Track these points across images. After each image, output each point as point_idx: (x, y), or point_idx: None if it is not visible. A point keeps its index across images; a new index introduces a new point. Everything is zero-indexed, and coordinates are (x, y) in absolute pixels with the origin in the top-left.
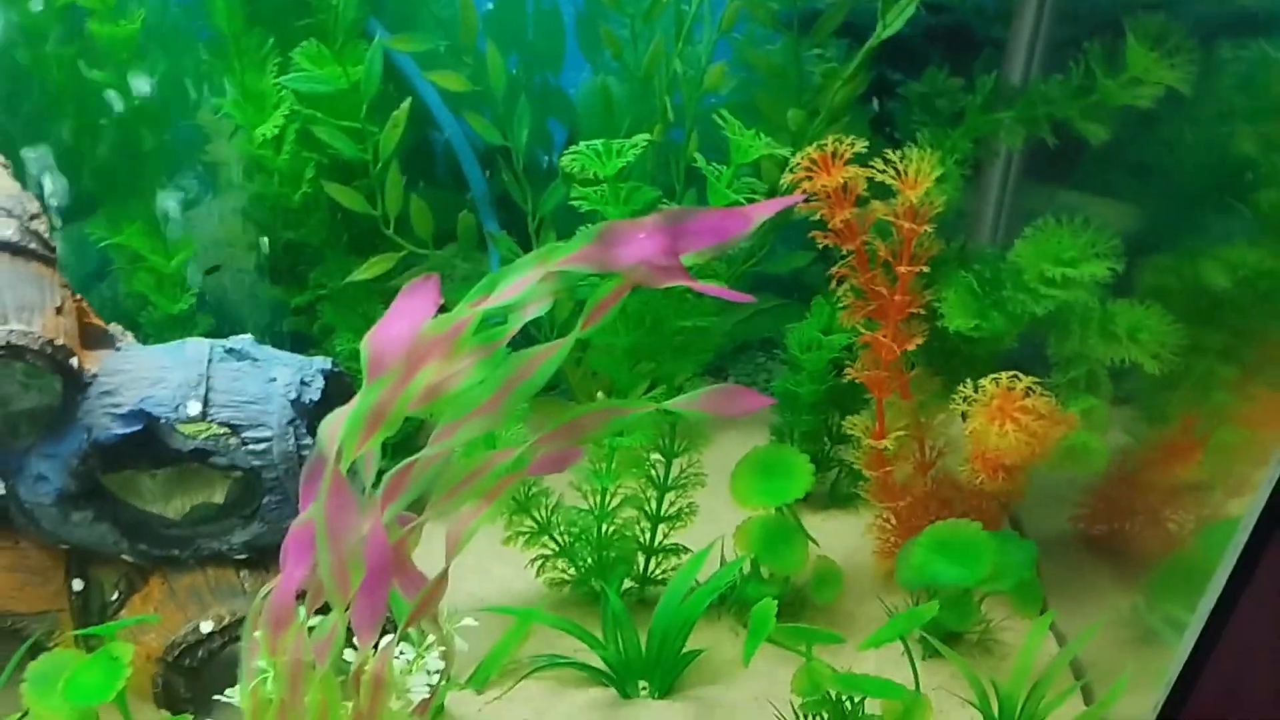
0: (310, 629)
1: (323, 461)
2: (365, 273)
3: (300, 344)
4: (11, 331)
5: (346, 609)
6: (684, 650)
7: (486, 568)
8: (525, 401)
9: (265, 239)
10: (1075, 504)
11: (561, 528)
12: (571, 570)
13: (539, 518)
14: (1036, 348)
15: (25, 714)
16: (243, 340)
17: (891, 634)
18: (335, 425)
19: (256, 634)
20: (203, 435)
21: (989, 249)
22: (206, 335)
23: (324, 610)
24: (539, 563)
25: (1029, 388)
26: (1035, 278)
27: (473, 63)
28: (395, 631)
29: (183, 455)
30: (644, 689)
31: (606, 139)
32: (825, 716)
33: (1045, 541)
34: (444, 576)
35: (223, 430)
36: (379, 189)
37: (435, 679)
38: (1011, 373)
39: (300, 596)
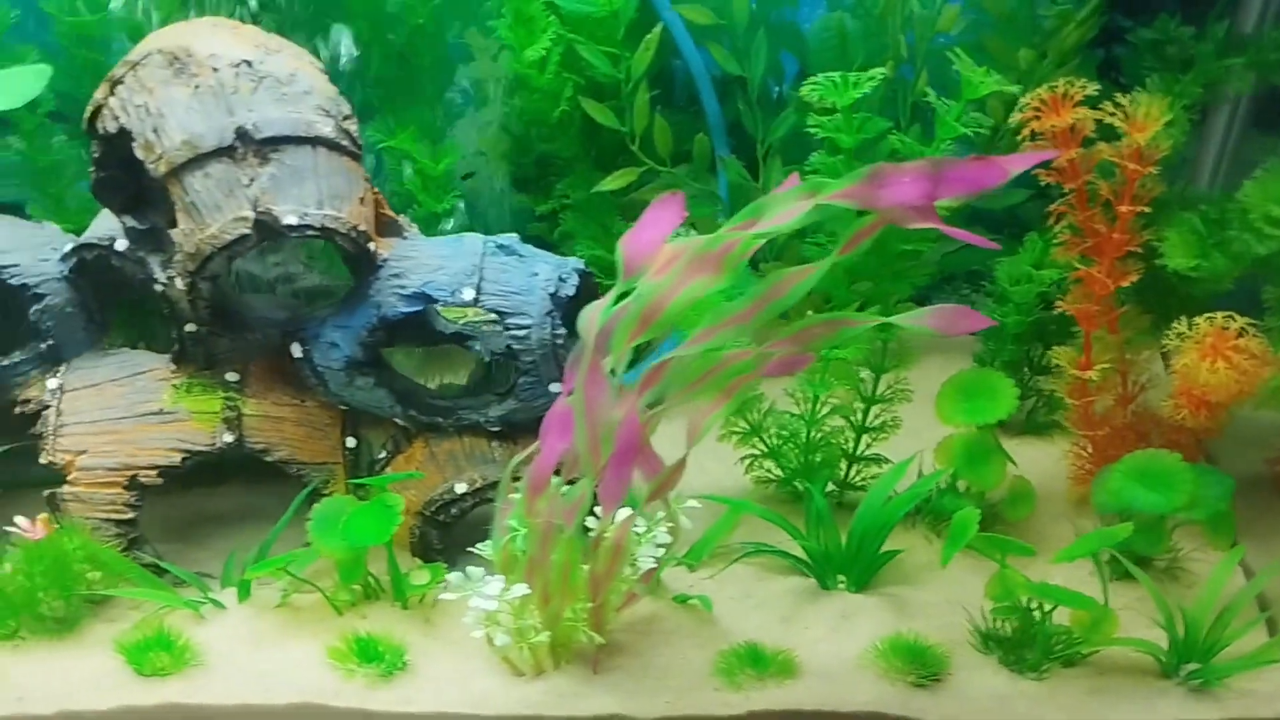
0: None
1: (583, 349)
2: (610, 184)
3: (540, 248)
4: (325, 215)
5: (594, 482)
6: (881, 550)
7: (700, 462)
8: (776, 316)
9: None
10: (1272, 447)
11: (772, 431)
12: (777, 470)
13: (752, 420)
14: (1250, 293)
15: (307, 546)
16: (510, 238)
17: (1084, 549)
18: (593, 317)
19: (512, 497)
20: (462, 321)
21: (1210, 193)
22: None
23: (573, 483)
24: (748, 461)
25: (1243, 328)
26: (1261, 218)
27: None
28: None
29: (444, 337)
30: (841, 582)
31: (841, 72)
32: (1015, 622)
33: (1239, 481)
34: (682, 463)
35: (480, 318)
36: (628, 108)
37: (659, 552)
38: (1226, 313)
39: (555, 469)
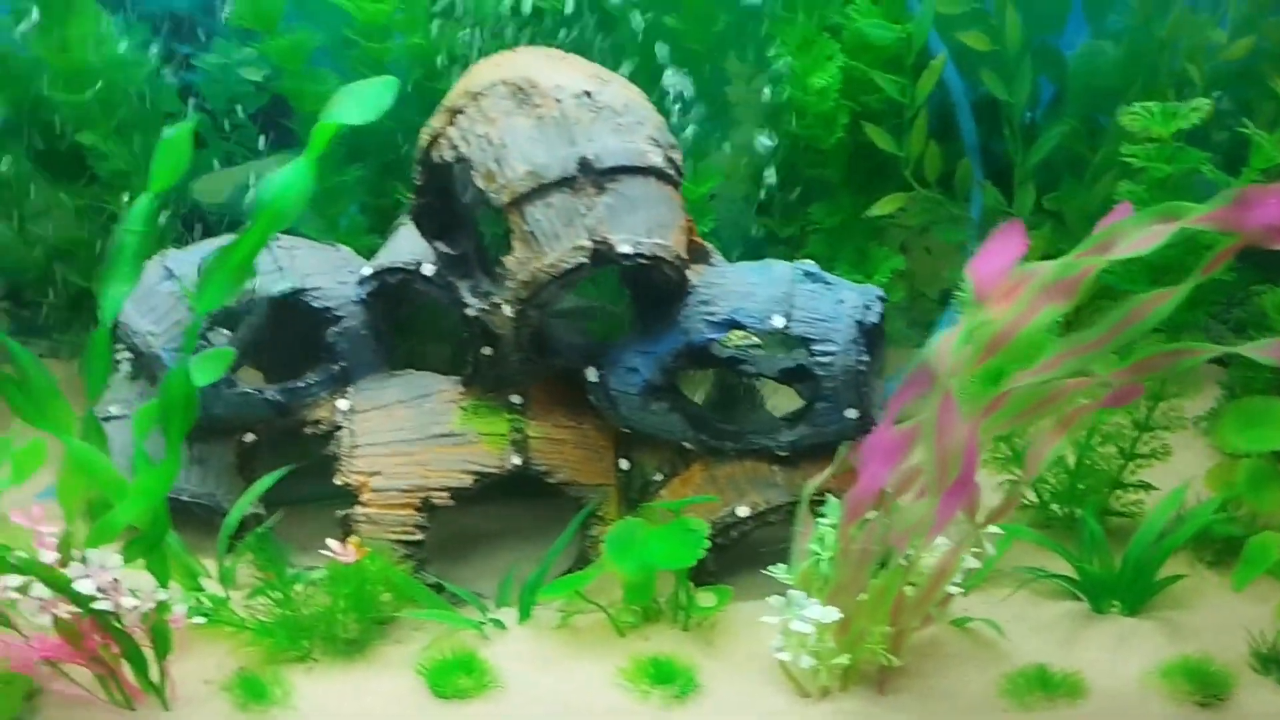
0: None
1: (930, 374)
2: (881, 209)
3: None
4: (655, 244)
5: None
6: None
7: None
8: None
9: (771, 172)
10: None
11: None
12: (1034, 496)
13: (1015, 446)
14: None
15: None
16: (812, 264)
17: None
18: (945, 345)
19: (825, 521)
20: (735, 345)
21: None
22: None
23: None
24: (1007, 485)
25: None
26: None
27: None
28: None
29: (718, 361)
30: (1115, 606)
31: (1097, 99)
32: None
33: None
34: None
35: (746, 342)
36: (906, 132)
37: (959, 578)
38: None
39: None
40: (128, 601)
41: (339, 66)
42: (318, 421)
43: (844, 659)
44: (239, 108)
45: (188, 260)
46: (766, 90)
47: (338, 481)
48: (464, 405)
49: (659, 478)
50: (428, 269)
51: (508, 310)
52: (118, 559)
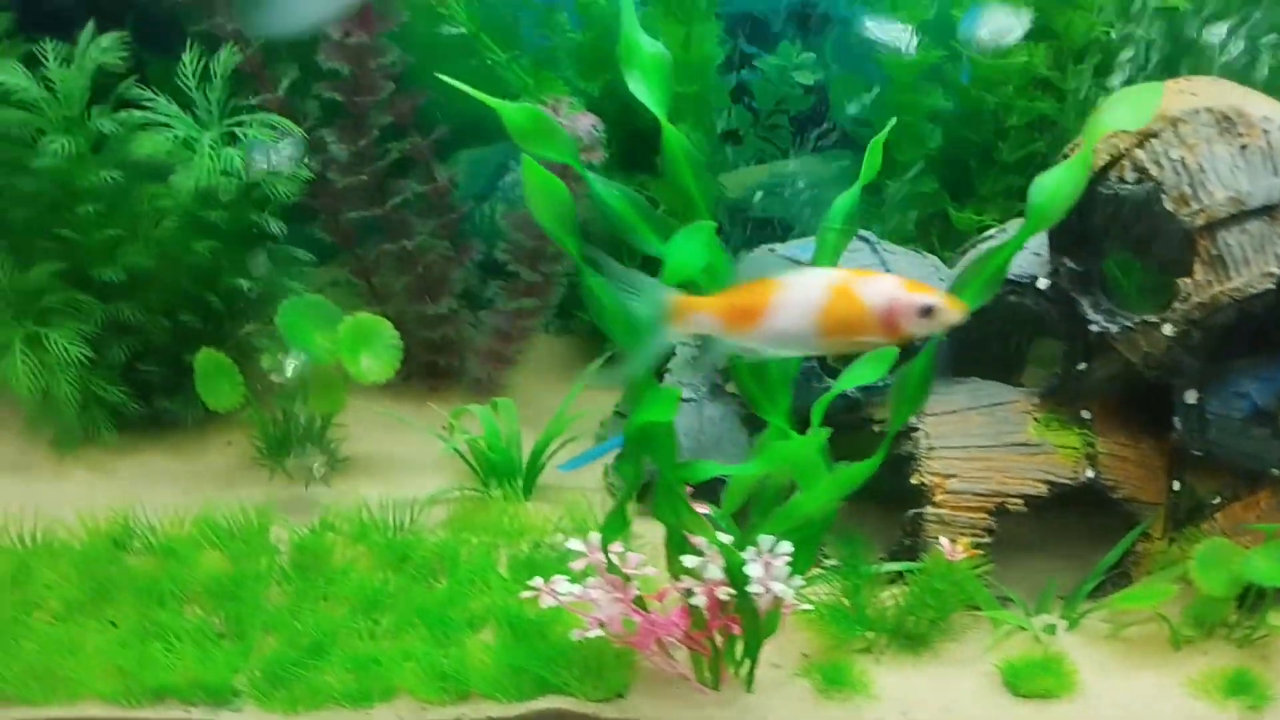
0: None
1: None
2: None
3: None
4: None
5: None
6: None
7: None
8: None
9: None
10: None
11: None
12: None
13: None
14: None
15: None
16: None
17: None
18: None
19: None
20: None
21: None
22: None
23: None
24: None
25: None
26: None
27: None
28: None
29: None
30: None
31: None
32: None
33: None
34: None
35: None
36: None
37: None
38: None
39: None
40: (779, 588)
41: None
42: (883, 421)
43: None
44: (783, 108)
45: (797, 253)
46: None
47: (913, 481)
48: (1037, 416)
49: (1216, 500)
50: (1042, 283)
51: (1168, 329)
52: (788, 547)
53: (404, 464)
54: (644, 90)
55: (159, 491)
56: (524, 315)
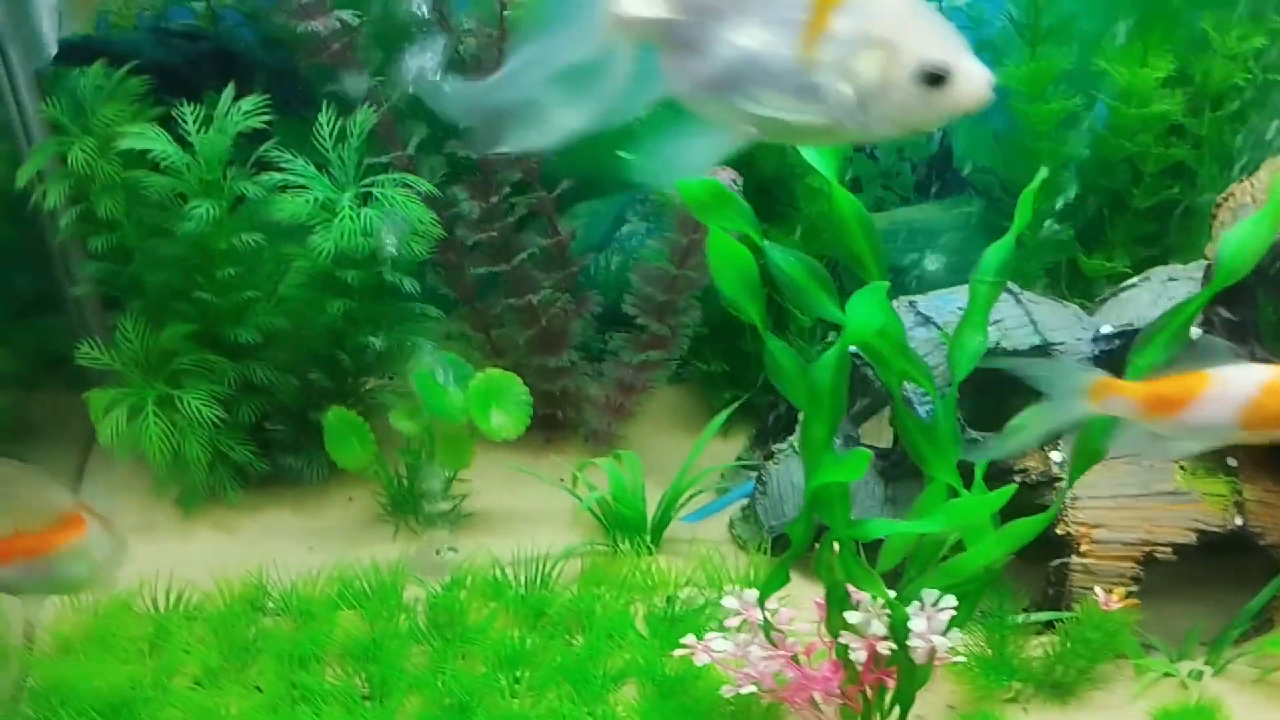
0: None
1: None
2: None
3: None
4: None
5: None
6: None
7: None
8: None
9: None
10: None
11: None
12: None
13: None
14: None
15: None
16: None
17: None
18: None
19: None
20: None
21: None
22: None
23: None
24: None
25: None
26: None
27: None
28: None
29: None
30: None
31: None
32: None
33: None
34: None
35: None
36: None
37: None
38: None
39: None
40: (940, 641)
41: None
42: (1025, 470)
43: None
44: (905, 157)
45: (937, 306)
46: None
47: (1058, 531)
48: (1183, 465)
49: None
50: (1195, 332)
51: None
52: (952, 601)
53: (527, 518)
54: (812, 151)
55: (284, 549)
56: (649, 368)
